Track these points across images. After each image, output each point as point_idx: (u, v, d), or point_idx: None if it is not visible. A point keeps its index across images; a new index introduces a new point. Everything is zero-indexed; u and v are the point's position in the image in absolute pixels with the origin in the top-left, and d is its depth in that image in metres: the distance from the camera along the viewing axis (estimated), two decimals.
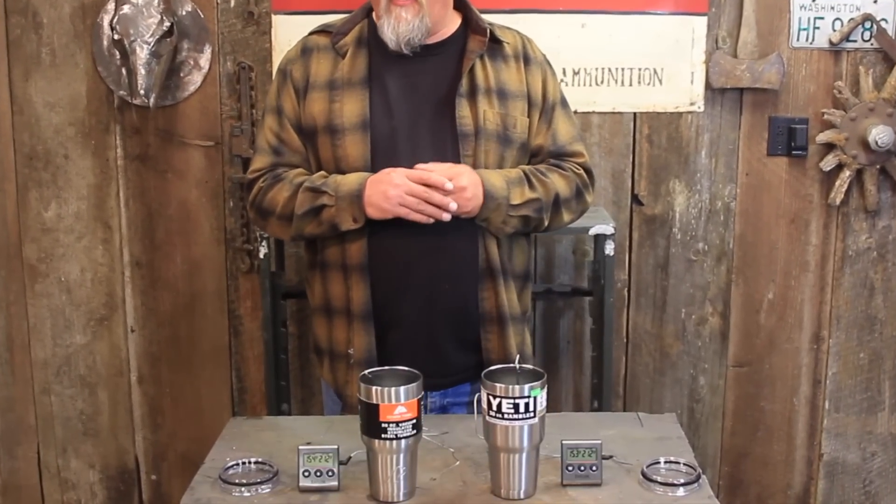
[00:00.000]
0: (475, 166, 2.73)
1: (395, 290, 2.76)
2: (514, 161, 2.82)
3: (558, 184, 2.83)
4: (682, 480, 2.34)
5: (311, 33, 2.93)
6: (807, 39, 3.77)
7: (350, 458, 2.37)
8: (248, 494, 2.31)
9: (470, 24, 2.87)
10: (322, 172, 2.80)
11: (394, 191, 2.63)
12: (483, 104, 2.77)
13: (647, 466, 2.39)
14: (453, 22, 2.88)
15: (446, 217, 2.64)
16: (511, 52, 2.87)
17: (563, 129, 2.91)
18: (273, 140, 2.88)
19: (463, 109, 2.76)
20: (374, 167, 2.72)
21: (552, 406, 2.47)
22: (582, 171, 2.91)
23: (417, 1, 2.72)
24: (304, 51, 2.89)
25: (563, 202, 2.84)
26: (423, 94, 2.80)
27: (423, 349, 2.75)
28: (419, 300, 2.76)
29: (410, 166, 2.68)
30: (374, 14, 2.82)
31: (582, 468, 2.32)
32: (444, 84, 2.80)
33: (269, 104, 2.93)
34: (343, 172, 2.74)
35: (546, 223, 2.83)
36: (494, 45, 2.85)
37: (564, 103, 2.96)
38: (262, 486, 2.33)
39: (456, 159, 2.73)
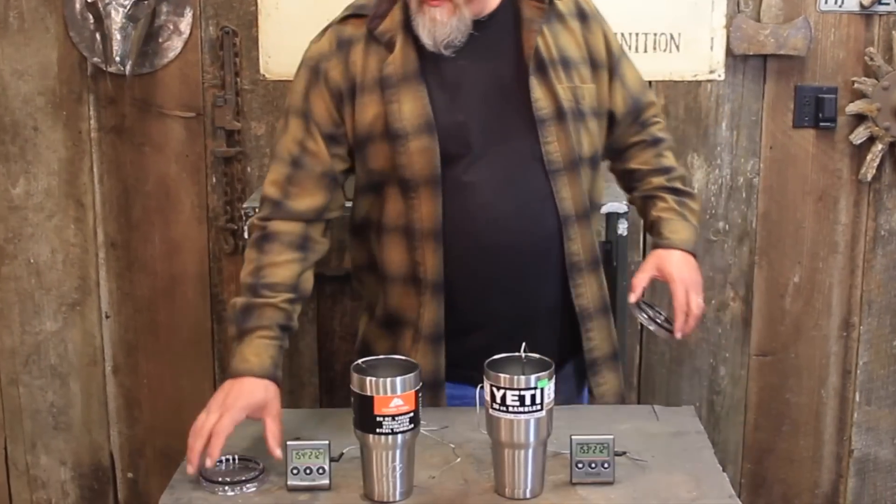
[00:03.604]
0: (558, 152, 2.65)
1: (472, 300, 2.71)
2: (588, 135, 2.72)
3: (677, 163, 2.98)
4: None
5: (342, 20, 2.73)
6: (836, 2, 3.76)
7: (342, 454, 2.37)
8: (233, 494, 2.31)
9: None
10: (269, 302, 2.61)
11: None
12: (553, 79, 2.66)
13: None
14: None
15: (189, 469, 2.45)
16: (565, 11, 2.74)
17: (632, 80, 2.89)
18: (294, 149, 2.69)
19: (536, 91, 2.64)
20: (444, 171, 2.61)
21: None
22: (664, 125, 3.02)
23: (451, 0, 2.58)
24: (340, 44, 2.70)
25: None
26: (484, 78, 2.67)
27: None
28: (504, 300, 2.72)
29: (486, 163, 2.63)
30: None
31: (593, 465, 2.32)
32: (505, 63, 2.68)
33: (294, 105, 2.72)
34: (406, 182, 2.61)
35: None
36: (547, 6, 2.70)
37: (623, 51, 2.92)
38: (248, 485, 2.33)
39: (535, 148, 2.64)
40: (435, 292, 2.67)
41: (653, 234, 2.87)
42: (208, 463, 2.36)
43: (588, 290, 2.77)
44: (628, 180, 2.97)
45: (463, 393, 2.59)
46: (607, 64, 2.79)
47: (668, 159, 2.93)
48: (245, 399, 2.46)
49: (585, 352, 2.79)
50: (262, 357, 2.55)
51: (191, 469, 2.38)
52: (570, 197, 2.67)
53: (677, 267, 2.74)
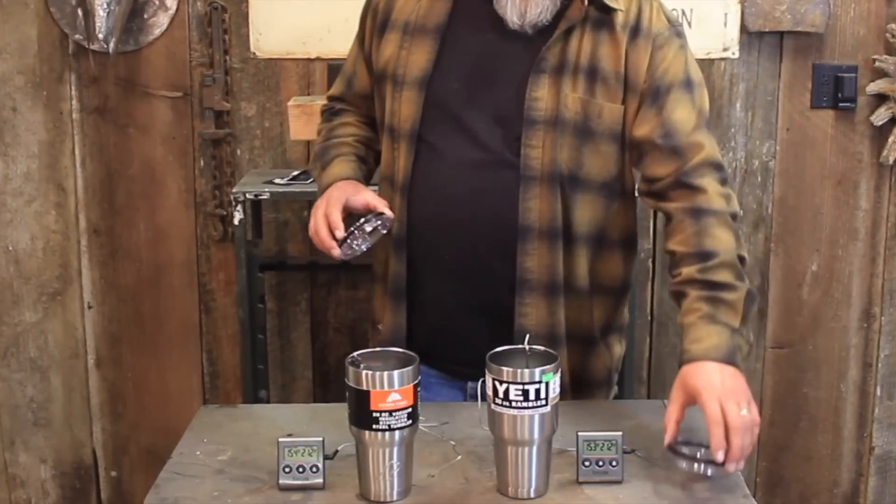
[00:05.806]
0: (542, 159, 2.57)
1: (431, 266, 2.71)
2: (597, 157, 2.61)
3: (731, 243, 2.53)
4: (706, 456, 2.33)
5: None
6: None
7: (337, 451, 2.36)
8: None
9: None
10: (342, 140, 2.85)
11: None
12: (566, 85, 2.55)
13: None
14: None
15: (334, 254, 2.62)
16: (621, 22, 2.59)
17: (679, 116, 2.59)
18: (350, 68, 2.92)
19: (539, 90, 2.56)
20: (423, 131, 2.64)
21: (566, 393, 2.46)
22: (721, 185, 2.59)
23: None
24: None
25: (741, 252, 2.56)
26: (502, 58, 2.63)
27: (458, 334, 2.72)
28: (455, 281, 2.70)
29: (463, 138, 2.61)
30: None
31: (600, 463, 2.31)
32: (529, 51, 2.59)
33: (358, 30, 2.89)
34: (394, 129, 2.67)
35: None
36: (603, 13, 2.58)
37: (689, 85, 2.64)
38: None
39: (515, 145, 2.58)
40: (398, 247, 2.70)
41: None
42: (338, 234, 2.58)
43: (537, 262, 2.63)
44: (669, 265, 2.63)
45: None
46: (641, 90, 2.59)
47: (713, 239, 2.52)
48: (339, 192, 2.67)
49: (515, 329, 2.65)
50: (344, 167, 2.77)
51: (336, 252, 2.58)
52: (536, 209, 2.59)
53: (705, 378, 2.40)
